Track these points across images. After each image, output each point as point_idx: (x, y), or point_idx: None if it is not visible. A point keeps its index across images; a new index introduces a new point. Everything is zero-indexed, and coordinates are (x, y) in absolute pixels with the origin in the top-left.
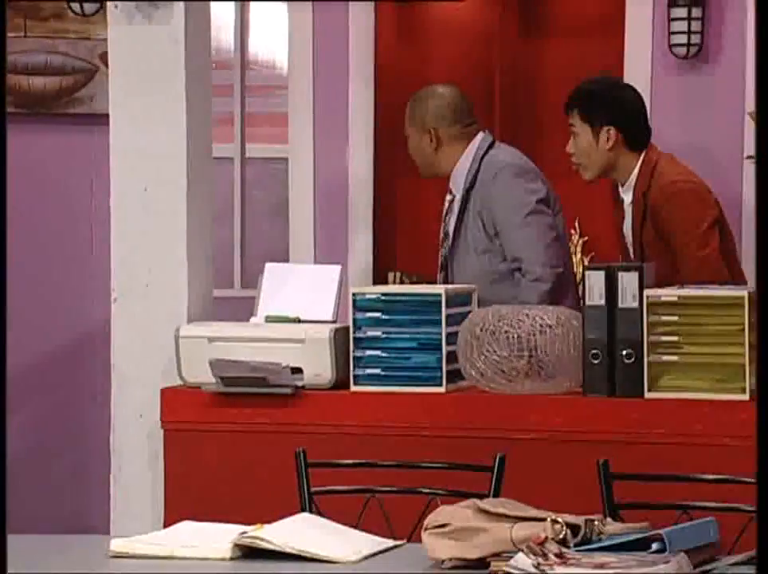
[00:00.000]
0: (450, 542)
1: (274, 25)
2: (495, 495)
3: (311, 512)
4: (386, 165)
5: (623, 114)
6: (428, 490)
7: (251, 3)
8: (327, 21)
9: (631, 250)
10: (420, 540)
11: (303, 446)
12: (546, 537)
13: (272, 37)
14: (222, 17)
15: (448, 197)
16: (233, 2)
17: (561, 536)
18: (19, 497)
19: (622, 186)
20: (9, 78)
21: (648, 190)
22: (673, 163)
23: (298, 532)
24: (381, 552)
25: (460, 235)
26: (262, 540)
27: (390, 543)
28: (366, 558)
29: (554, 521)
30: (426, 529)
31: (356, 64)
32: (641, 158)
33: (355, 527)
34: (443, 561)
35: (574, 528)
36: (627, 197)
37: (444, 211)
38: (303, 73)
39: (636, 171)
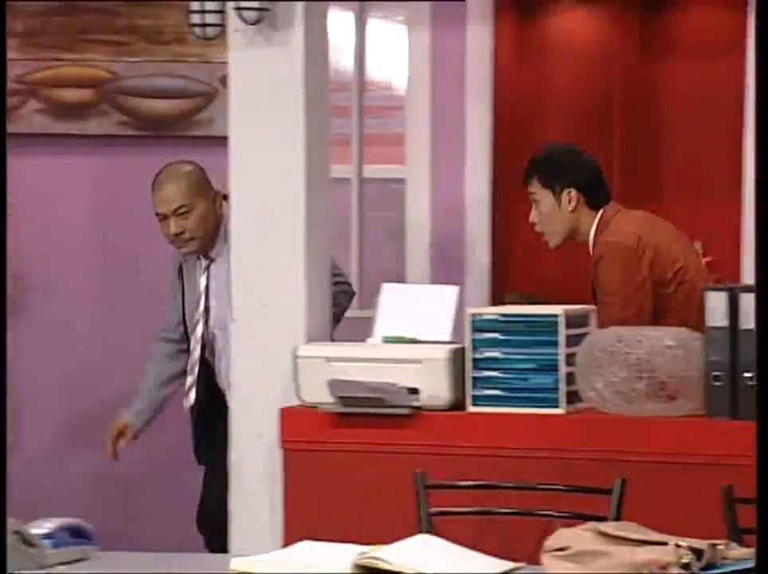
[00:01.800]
0: (570, 565)
1: (392, 46)
2: (616, 518)
3: (429, 533)
4: (504, 185)
5: (582, 174)
6: (547, 512)
7: (369, 25)
8: (445, 41)
9: None
10: (539, 563)
11: (421, 468)
12: (670, 562)
13: (391, 58)
14: (341, 39)
15: None
16: (352, 24)
17: (685, 561)
18: (140, 514)
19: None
20: (132, 101)
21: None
22: (624, 221)
23: (417, 553)
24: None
25: None
26: (381, 560)
27: (510, 565)
28: None
29: (678, 545)
30: (546, 552)
31: (474, 84)
32: (598, 216)
33: (473, 549)
34: None
35: (698, 553)
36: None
37: None
38: (420, 94)
39: (593, 230)
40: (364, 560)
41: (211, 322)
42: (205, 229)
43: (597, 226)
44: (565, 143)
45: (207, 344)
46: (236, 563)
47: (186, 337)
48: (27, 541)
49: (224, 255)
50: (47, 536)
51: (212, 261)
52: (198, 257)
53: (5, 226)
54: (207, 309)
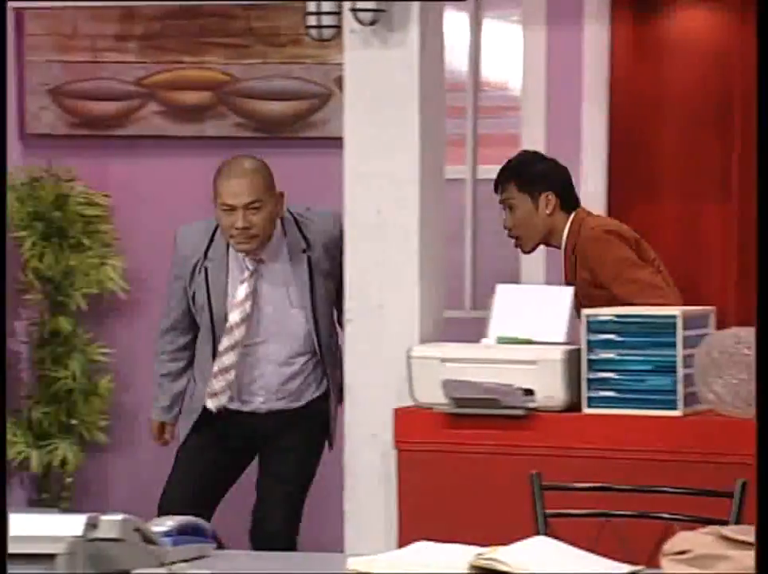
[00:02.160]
0: (691, 569)
1: (507, 45)
2: (737, 522)
3: (545, 535)
4: (620, 187)
5: (558, 179)
6: (666, 515)
7: (484, 25)
8: (561, 41)
9: None
10: (658, 566)
11: (535, 469)
12: None
13: (506, 58)
14: (456, 40)
15: None
16: (467, 24)
17: None
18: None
19: (558, 249)
20: (248, 103)
21: (576, 245)
22: (600, 218)
23: (534, 555)
24: None
25: None
26: (498, 561)
27: (628, 568)
28: None
29: None
30: (666, 555)
31: (590, 84)
32: (571, 218)
33: (591, 551)
34: None
35: None
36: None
37: None
38: (536, 94)
39: (566, 230)
40: (481, 561)
41: (261, 328)
42: (269, 229)
43: (570, 227)
44: (534, 151)
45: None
46: (353, 562)
47: (189, 330)
48: (147, 539)
49: (280, 258)
50: (166, 533)
51: (261, 262)
52: (244, 259)
53: (6, 225)
54: (249, 314)
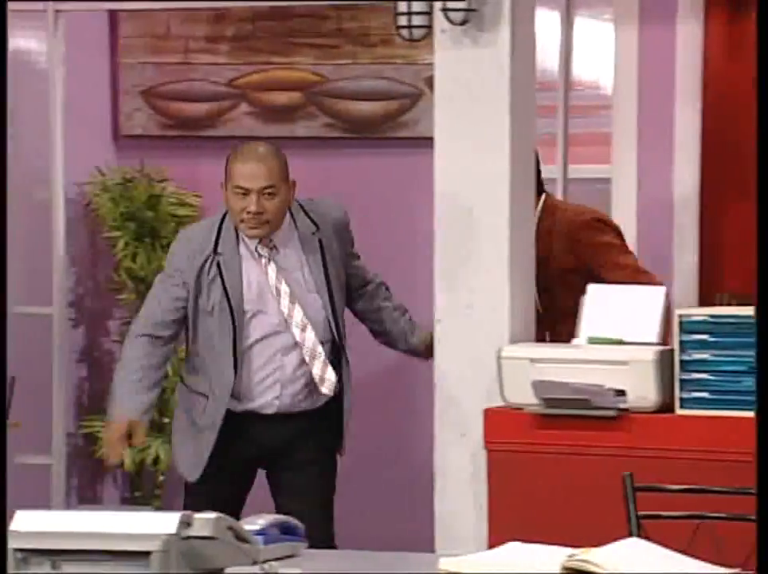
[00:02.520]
0: None
1: (599, 45)
2: None
3: (638, 536)
4: (713, 185)
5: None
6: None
7: (576, 24)
8: (654, 39)
9: None
10: (752, 569)
11: (627, 470)
12: None
13: (597, 57)
14: (547, 39)
15: None
16: (559, 23)
17: None
18: (346, 513)
19: None
20: (338, 103)
21: (553, 229)
22: (571, 204)
23: (628, 556)
24: None
25: None
26: (591, 563)
27: (723, 571)
28: None
29: None
30: None
31: (683, 82)
32: (542, 201)
33: (685, 554)
34: None
35: None
36: None
37: None
38: (627, 93)
39: (538, 213)
40: (573, 562)
41: (295, 319)
42: (281, 216)
43: (544, 211)
44: None
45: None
46: (445, 562)
47: (168, 340)
48: (240, 537)
49: (291, 243)
50: (259, 532)
51: (273, 248)
52: (256, 248)
53: (5, 225)
54: (276, 301)
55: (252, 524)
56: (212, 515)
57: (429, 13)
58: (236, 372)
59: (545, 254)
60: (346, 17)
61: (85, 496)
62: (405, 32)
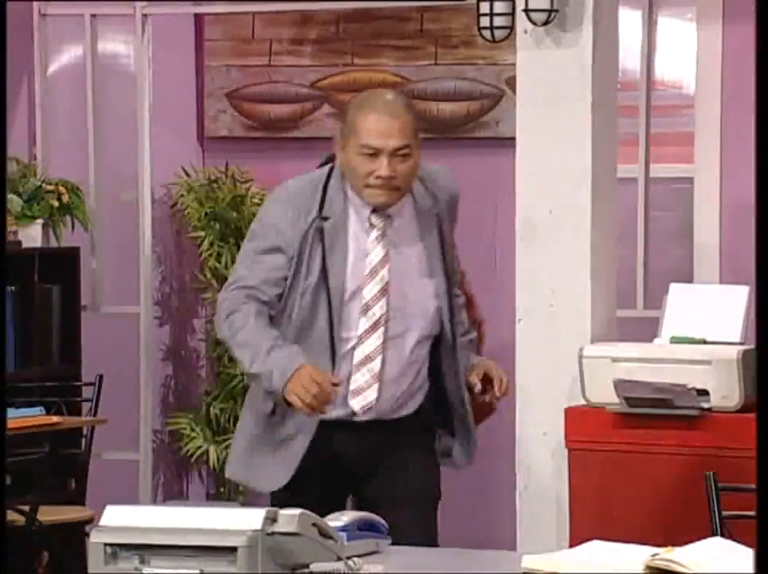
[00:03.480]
0: None
1: (682, 44)
2: None
3: (722, 536)
4: None
5: None
6: None
7: (658, 23)
8: (737, 39)
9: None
10: None
11: (710, 469)
12: None
13: (680, 57)
14: (629, 38)
15: None
16: (641, 23)
17: None
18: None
19: None
20: (420, 104)
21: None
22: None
23: (711, 556)
24: None
25: None
26: (675, 562)
27: None
28: None
29: None
30: None
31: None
32: None
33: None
34: None
35: None
36: None
37: None
38: (710, 92)
39: None
40: (657, 561)
41: (390, 304)
42: (411, 182)
43: None
44: None
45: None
46: (528, 560)
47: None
48: (324, 533)
49: (406, 215)
50: (343, 528)
51: (388, 217)
52: (370, 216)
53: (5, 225)
54: (387, 283)
55: (336, 520)
56: (296, 511)
57: (511, 14)
58: (334, 367)
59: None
60: (429, 18)
61: (171, 491)
62: (486, 33)
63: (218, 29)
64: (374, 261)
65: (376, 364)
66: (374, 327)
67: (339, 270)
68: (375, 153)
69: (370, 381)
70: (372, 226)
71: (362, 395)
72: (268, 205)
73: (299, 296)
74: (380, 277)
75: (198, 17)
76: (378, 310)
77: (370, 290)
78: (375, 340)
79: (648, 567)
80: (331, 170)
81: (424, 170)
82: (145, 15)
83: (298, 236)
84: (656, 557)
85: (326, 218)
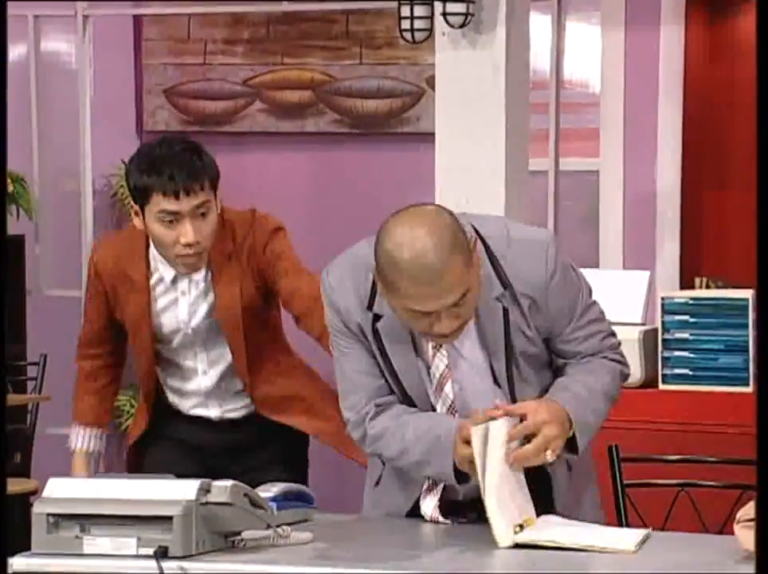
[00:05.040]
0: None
1: (588, 46)
2: None
3: (624, 504)
4: (693, 178)
5: None
6: (739, 484)
7: (566, 27)
8: (639, 41)
9: None
10: (731, 533)
11: (614, 442)
12: None
13: (586, 58)
14: (539, 41)
15: None
16: (550, 26)
17: None
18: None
19: None
20: (346, 101)
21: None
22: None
23: (561, 529)
24: (643, 541)
25: None
26: (544, 540)
27: (643, 532)
28: (639, 545)
29: None
30: (738, 522)
31: (665, 81)
32: None
33: (666, 521)
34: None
35: None
36: None
37: None
38: (614, 91)
39: None
40: (523, 537)
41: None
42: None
43: None
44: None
45: None
46: None
47: None
48: (255, 503)
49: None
50: (272, 499)
51: None
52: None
53: (5, 225)
54: (454, 400)
55: (267, 491)
56: (228, 482)
57: (430, 18)
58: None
59: None
60: (354, 21)
61: (112, 465)
62: (407, 35)
63: (156, 30)
64: (436, 374)
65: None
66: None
67: (412, 376)
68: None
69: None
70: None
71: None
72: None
73: None
74: (444, 395)
75: (137, 18)
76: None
77: (440, 409)
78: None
79: (516, 543)
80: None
81: (507, 248)
82: (86, 16)
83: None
84: (524, 536)
85: (379, 316)
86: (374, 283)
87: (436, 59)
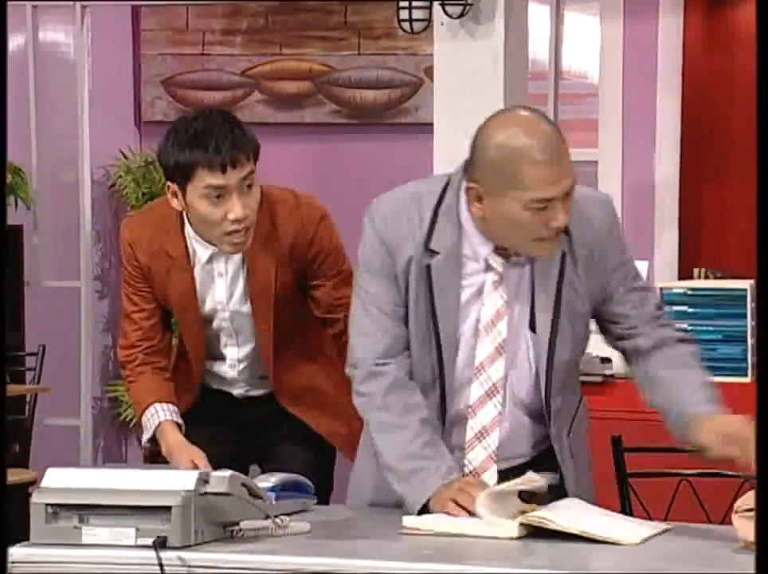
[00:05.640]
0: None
1: (586, 37)
2: None
3: (627, 494)
4: (691, 168)
5: None
6: (741, 474)
7: (565, 18)
8: (637, 32)
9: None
10: (731, 523)
11: (615, 432)
12: None
13: (585, 49)
14: (538, 32)
15: None
16: (549, 17)
17: None
18: None
19: None
20: (344, 92)
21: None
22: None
23: (574, 514)
24: (658, 534)
25: None
26: (547, 520)
27: (663, 526)
28: (646, 540)
29: None
30: (737, 513)
31: (664, 72)
32: None
33: (669, 510)
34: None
35: None
36: None
37: None
38: (613, 82)
39: None
40: (530, 518)
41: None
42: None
43: None
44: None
45: None
46: (407, 520)
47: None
48: (253, 493)
49: (522, 254)
50: (271, 489)
51: (507, 259)
52: (488, 257)
53: (5, 225)
54: (504, 340)
55: (265, 481)
56: (227, 473)
57: (428, 8)
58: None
59: None
60: (352, 11)
61: (110, 455)
62: (406, 25)
63: (154, 20)
64: (491, 310)
65: (494, 440)
66: (491, 393)
67: (450, 322)
68: (544, 206)
69: (486, 463)
70: (489, 267)
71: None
72: (373, 219)
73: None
74: (496, 332)
75: (135, 9)
76: (494, 373)
77: (487, 348)
78: (494, 409)
79: (522, 523)
80: (445, 189)
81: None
82: (84, 6)
83: (402, 265)
84: (531, 515)
85: (433, 255)
86: (433, 218)
87: (435, 49)
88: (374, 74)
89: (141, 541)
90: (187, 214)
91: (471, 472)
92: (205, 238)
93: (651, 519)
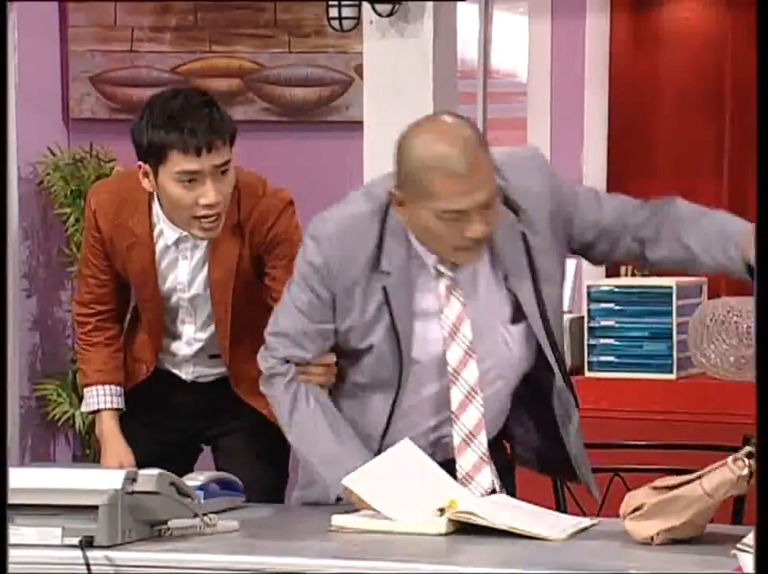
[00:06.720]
0: (651, 521)
1: (515, 36)
2: None
3: (560, 490)
4: (618, 166)
5: None
6: (669, 468)
7: (493, 17)
8: (565, 31)
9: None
10: None
11: None
12: (738, 476)
13: (513, 48)
14: (467, 31)
15: None
16: (477, 17)
17: (746, 472)
18: None
19: None
20: (274, 89)
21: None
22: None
23: (501, 508)
24: (582, 529)
25: None
26: (476, 515)
27: (589, 521)
28: (571, 536)
29: (736, 459)
30: (626, 517)
31: (591, 71)
32: None
33: (602, 505)
34: (652, 538)
35: (750, 455)
36: None
37: None
38: (541, 81)
39: None
40: (459, 514)
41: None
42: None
43: None
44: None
45: None
46: (336, 519)
47: None
48: (181, 492)
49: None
50: (199, 487)
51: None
52: (436, 265)
53: (6, 225)
54: (470, 345)
55: (194, 480)
56: (155, 471)
57: (357, 6)
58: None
59: None
60: (282, 8)
61: (39, 454)
62: (335, 23)
63: (82, 16)
64: (450, 317)
65: (481, 442)
66: (470, 396)
67: (406, 334)
68: (459, 214)
69: (478, 465)
70: (440, 274)
71: (475, 481)
72: (314, 239)
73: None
74: (461, 337)
75: (62, 5)
76: (470, 376)
77: (457, 354)
78: (476, 412)
79: (450, 520)
80: (388, 206)
81: (499, 169)
82: (10, 1)
83: (348, 279)
84: (457, 511)
85: (385, 272)
86: (379, 237)
87: (364, 48)
88: (304, 72)
89: (67, 541)
90: (157, 195)
91: (463, 477)
92: (174, 222)
93: (585, 515)
